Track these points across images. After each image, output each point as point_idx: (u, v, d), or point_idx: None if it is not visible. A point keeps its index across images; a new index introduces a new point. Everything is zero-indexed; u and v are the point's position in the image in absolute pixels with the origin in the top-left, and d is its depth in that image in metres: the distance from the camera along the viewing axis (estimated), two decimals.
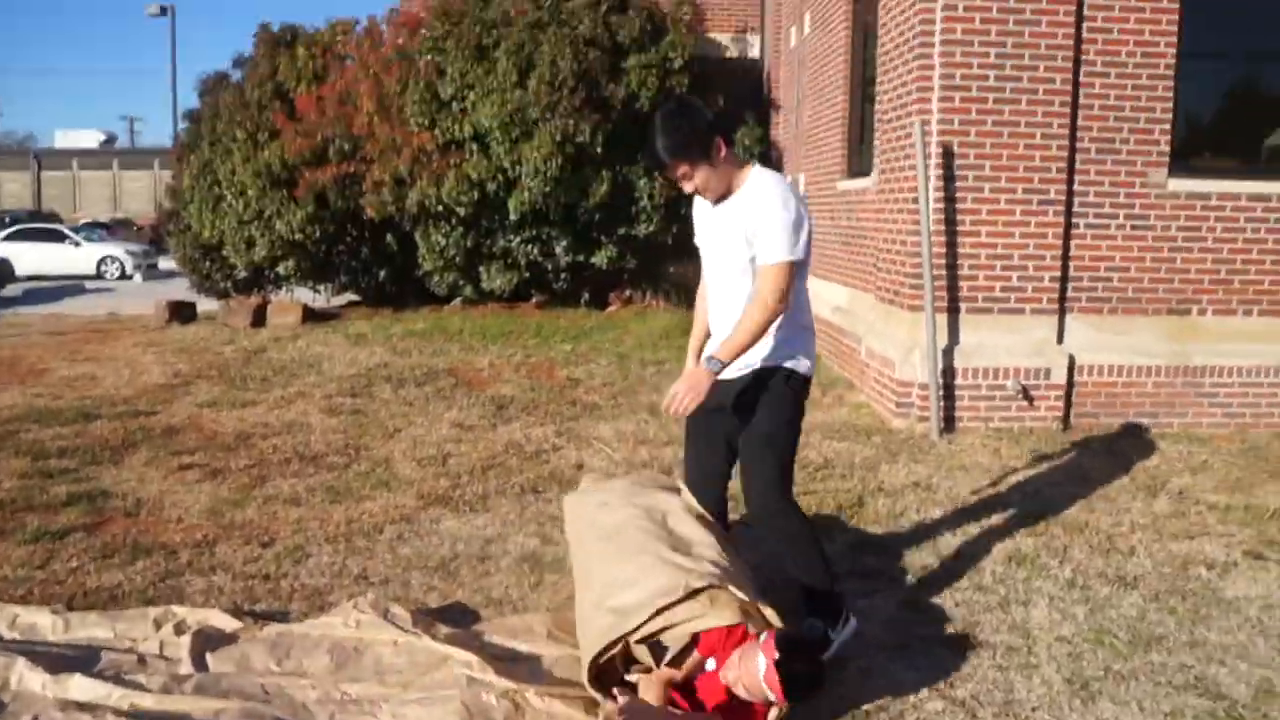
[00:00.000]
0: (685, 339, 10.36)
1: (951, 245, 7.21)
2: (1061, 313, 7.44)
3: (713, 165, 3.52)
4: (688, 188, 3.60)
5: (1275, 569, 4.79)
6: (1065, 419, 7.33)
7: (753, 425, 3.71)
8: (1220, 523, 5.41)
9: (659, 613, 3.21)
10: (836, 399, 8.11)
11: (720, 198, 3.63)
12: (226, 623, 3.92)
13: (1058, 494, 5.83)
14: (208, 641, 3.75)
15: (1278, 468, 6.48)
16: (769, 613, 3.25)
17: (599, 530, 3.82)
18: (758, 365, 3.65)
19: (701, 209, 3.78)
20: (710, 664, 3.22)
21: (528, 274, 12.47)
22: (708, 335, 3.94)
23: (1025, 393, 7.22)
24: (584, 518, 4.04)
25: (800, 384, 3.71)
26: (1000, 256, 7.25)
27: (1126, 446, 6.87)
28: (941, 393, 7.13)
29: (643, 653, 3.35)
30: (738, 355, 3.52)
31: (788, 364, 3.66)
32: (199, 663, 3.61)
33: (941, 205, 7.16)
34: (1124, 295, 7.51)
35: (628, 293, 12.95)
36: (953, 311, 7.24)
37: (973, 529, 5.22)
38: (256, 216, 12.41)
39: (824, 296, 10.02)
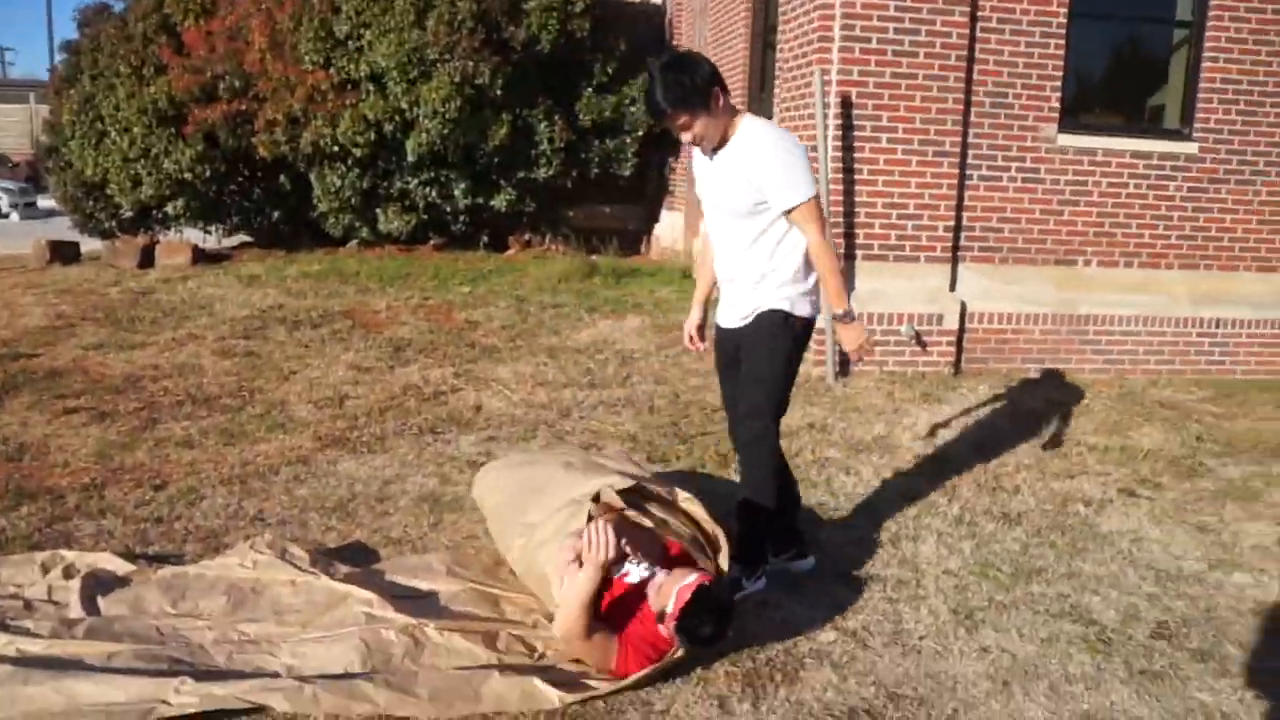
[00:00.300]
0: (584, 283, 10.41)
1: (849, 193, 7.31)
2: (954, 261, 7.62)
3: (711, 116, 3.57)
4: (686, 138, 3.65)
5: (1146, 505, 5.04)
6: (957, 364, 7.54)
7: (750, 364, 3.80)
8: (1098, 462, 5.66)
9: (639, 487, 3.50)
10: None
11: (716, 147, 3.68)
12: (118, 566, 3.83)
13: (948, 436, 6.03)
14: (99, 585, 3.67)
15: (1151, 411, 6.78)
16: (724, 561, 3.49)
17: (566, 461, 4.09)
18: (762, 308, 3.74)
19: (700, 161, 3.84)
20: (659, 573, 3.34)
21: (426, 216, 12.25)
22: (712, 288, 4.07)
23: (919, 338, 7.40)
24: (548, 456, 4.34)
25: (800, 326, 3.77)
26: (896, 205, 7.38)
27: (1014, 390, 7.11)
28: (836, 337, 7.26)
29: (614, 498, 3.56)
30: (843, 293, 3.70)
31: (785, 307, 3.73)
32: (90, 606, 3.53)
33: (839, 154, 7.26)
34: (1014, 245, 7.73)
35: (527, 236, 12.83)
36: (849, 258, 7.36)
37: (865, 469, 5.37)
38: (143, 154, 11.95)
39: None
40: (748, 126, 3.64)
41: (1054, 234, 7.77)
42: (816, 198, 3.60)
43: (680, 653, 3.21)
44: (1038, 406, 6.74)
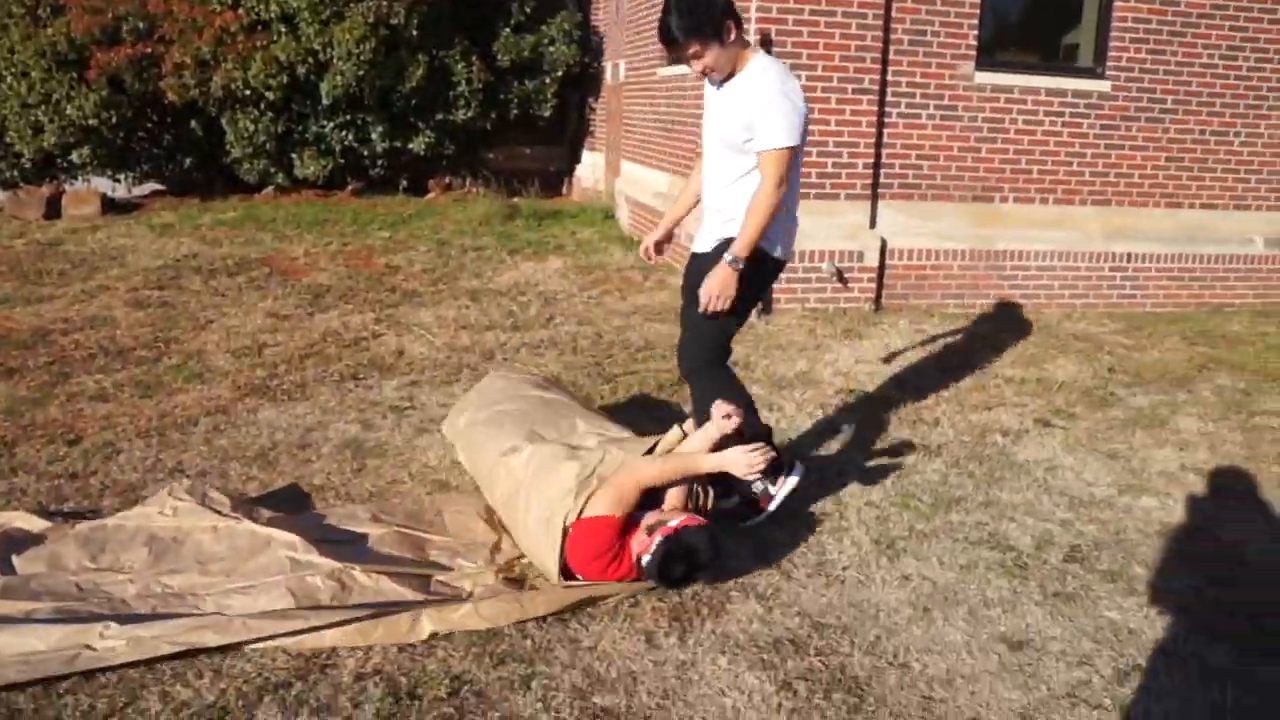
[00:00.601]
0: (506, 225, 10.32)
1: None
2: (874, 199, 7.69)
3: (723, 47, 3.61)
4: (696, 67, 3.69)
5: (1060, 434, 5.18)
6: (877, 300, 7.64)
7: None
8: (1015, 394, 5.79)
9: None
10: (658, 282, 8.22)
11: (724, 79, 3.73)
12: (32, 523, 3.72)
13: (869, 370, 6.11)
14: (12, 544, 3.56)
15: (1065, 344, 6.95)
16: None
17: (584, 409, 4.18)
18: (729, 237, 3.76)
19: (709, 91, 3.88)
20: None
21: (343, 160, 12.02)
22: (686, 213, 4.21)
23: (840, 275, 7.47)
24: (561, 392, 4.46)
25: (763, 262, 3.78)
26: (816, 143, 7.40)
27: (933, 326, 7.22)
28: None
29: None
30: (753, 246, 3.65)
31: (758, 244, 3.74)
32: (4, 566, 3.43)
33: None
34: (933, 182, 7.81)
35: (447, 179, 12.67)
36: None
37: (788, 404, 5.44)
38: (43, 100, 11.50)
39: (645, 182, 10.05)
40: (757, 64, 3.68)
41: (971, 171, 7.87)
42: (792, 152, 3.59)
43: (638, 585, 3.35)
44: (956, 341, 6.86)
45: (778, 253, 3.82)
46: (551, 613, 3.24)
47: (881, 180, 7.69)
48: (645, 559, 3.28)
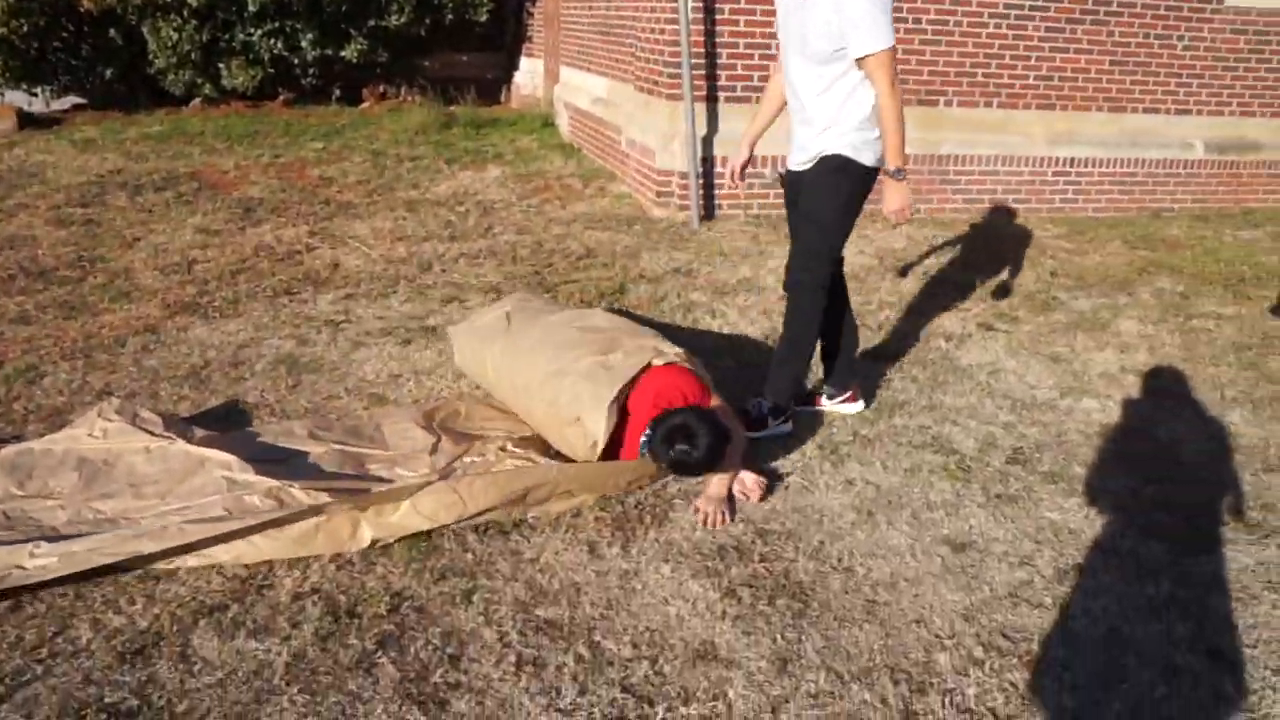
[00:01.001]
0: (443, 134, 10.07)
1: (710, 34, 7.15)
2: None
3: None
4: None
5: (1003, 338, 5.19)
6: None
7: (806, 205, 3.79)
8: (959, 299, 5.79)
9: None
10: (598, 189, 8.08)
11: None
12: None
13: None
14: None
15: (1008, 248, 6.95)
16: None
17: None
18: (825, 152, 3.69)
19: (782, 1, 3.73)
20: None
21: (273, 70, 11.62)
22: (765, 128, 4.12)
23: (783, 180, 7.36)
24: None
25: (859, 173, 3.70)
26: (758, 45, 7.25)
27: (877, 232, 7.18)
28: (701, 181, 7.20)
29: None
30: (903, 151, 3.57)
31: (847, 152, 3.67)
32: None
33: None
34: None
35: (381, 88, 12.33)
36: (711, 100, 7.24)
37: (730, 311, 5.39)
38: None
39: (585, 88, 9.84)
40: None
41: (916, 74, 7.76)
42: (893, 50, 3.47)
43: (584, 473, 3.37)
44: (899, 246, 6.84)
45: (863, 158, 3.69)
46: (491, 506, 3.19)
47: None
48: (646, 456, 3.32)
